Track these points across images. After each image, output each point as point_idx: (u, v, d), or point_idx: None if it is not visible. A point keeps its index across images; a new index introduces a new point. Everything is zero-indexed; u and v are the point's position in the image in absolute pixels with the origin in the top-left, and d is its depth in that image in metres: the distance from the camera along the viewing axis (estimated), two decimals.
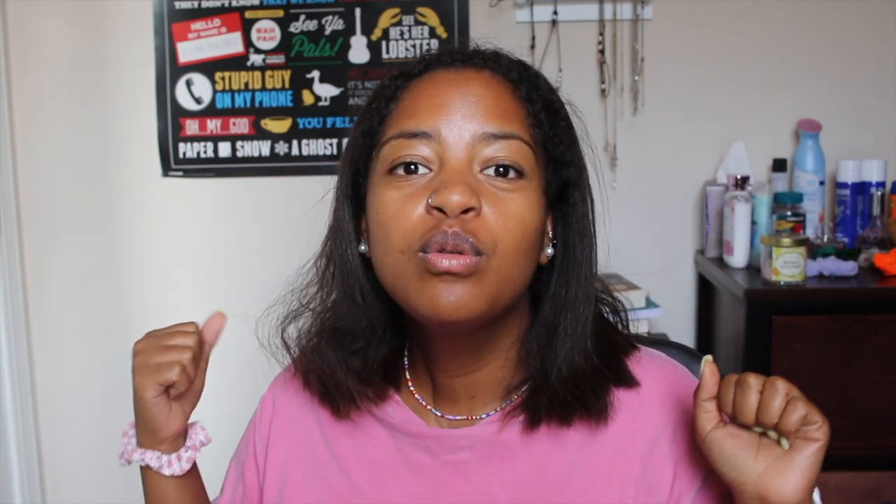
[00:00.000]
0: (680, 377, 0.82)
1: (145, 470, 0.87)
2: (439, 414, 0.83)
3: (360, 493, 0.82)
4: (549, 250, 0.79)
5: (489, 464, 0.79)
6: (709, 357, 0.71)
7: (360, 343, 0.81)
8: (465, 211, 0.71)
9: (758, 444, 0.69)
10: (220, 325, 0.86)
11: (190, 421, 0.88)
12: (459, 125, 0.73)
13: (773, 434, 0.68)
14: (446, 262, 0.70)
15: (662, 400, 0.79)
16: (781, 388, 0.67)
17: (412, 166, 0.74)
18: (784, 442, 0.67)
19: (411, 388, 0.85)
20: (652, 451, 0.78)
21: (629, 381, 0.80)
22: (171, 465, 0.86)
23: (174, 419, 0.84)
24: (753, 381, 0.68)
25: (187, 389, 0.83)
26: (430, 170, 0.74)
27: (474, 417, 0.82)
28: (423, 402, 0.84)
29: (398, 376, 0.86)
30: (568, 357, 0.76)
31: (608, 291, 0.84)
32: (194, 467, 0.89)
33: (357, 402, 0.82)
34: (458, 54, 0.79)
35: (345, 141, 2.21)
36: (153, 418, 0.83)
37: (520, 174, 0.74)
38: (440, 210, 0.71)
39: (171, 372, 0.80)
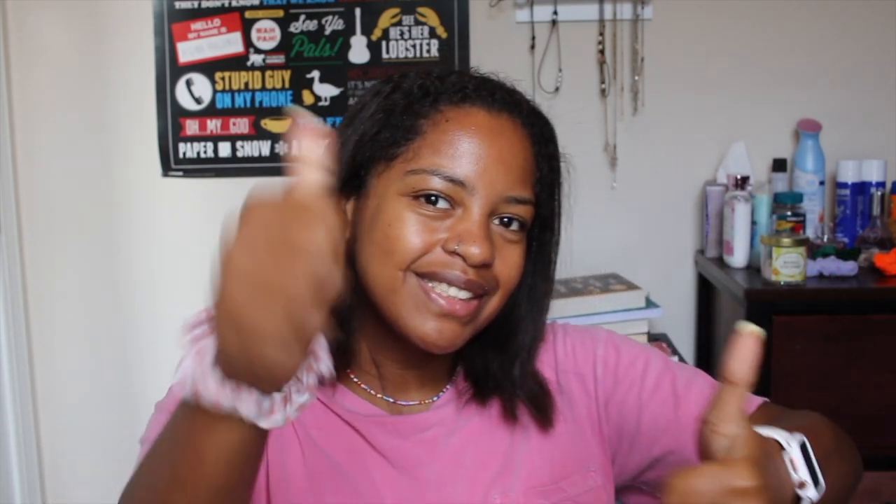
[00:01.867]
0: (570, 325, 0.97)
1: (212, 418, 0.54)
2: (391, 400, 0.87)
3: (350, 480, 0.82)
4: None
5: (453, 436, 0.86)
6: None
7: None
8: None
9: None
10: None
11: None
12: (492, 183, 0.79)
13: None
14: (451, 305, 0.77)
15: (572, 347, 0.92)
16: None
17: (433, 197, 0.78)
18: None
19: (354, 379, 0.87)
20: (585, 387, 0.90)
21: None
22: (274, 413, 0.54)
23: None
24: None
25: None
26: (450, 205, 0.79)
27: (426, 401, 0.88)
28: (372, 391, 0.87)
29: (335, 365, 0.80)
30: (517, 372, 0.86)
31: None
32: None
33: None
34: (498, 93, 0.82)
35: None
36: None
37: (522, 227, 0.82)
38: (459, 255, 0.77)
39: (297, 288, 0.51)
